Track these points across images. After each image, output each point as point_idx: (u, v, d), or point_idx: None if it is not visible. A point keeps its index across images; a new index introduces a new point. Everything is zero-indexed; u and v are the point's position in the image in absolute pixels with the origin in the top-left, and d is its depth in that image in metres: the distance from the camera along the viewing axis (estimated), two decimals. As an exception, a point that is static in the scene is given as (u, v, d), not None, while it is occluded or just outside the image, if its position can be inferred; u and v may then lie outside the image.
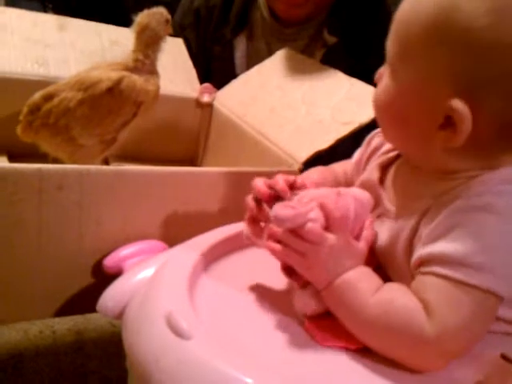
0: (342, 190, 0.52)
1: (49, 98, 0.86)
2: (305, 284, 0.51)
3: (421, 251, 0.47)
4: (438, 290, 0.45)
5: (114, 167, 0.81)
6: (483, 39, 0.44)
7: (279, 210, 0.48)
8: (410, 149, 0.53)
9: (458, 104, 0.45)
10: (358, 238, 0.51)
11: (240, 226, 0.64)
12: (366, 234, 0.51)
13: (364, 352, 0.47)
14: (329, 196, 0.50)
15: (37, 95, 0.87)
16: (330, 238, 0.48)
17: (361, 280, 0.48)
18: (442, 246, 0.45)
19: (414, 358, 0.45)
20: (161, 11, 0.91)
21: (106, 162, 0.99)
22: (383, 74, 0.53)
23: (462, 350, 0.45)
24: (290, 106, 0.96)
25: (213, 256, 0.60)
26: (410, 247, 0.49)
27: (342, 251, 0.48)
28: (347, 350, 0.47)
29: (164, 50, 1.18)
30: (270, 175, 0.80)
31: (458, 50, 0.45)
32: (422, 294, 0.45)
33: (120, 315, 0.54)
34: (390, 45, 0.51)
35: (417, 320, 0.44)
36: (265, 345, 0.47)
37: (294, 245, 0.49)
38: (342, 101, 0.90)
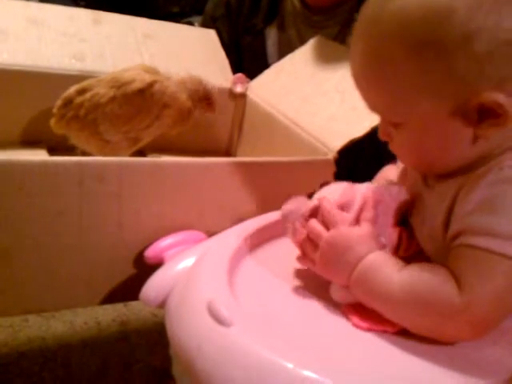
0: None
1: (82, 92, 0.89)
2: None
3: (454, 225, 0.47)
4: (468, 260, 0.45)
5: (151, 159, 0.82)
6: (456, 31, 0.44)
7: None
8: (444, 161, 0.51)
9: (488, 97, 0.45)
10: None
11: (277, 214, 0.65)
12: (365, 215, 0.52)
13: (403, 334, 0.47)
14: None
15: (72, 89, 0.89)
16: (325, 233, 0.51)
17: (381, 260, 0.49)
18: (474, 218, 0.45)
19: (444, 328, 0.46)
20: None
21: (143, 153, 1.01)
22: (389, 131, 0.51)
23: (492, 321, 0.45)
24: (324, 94, 0.96)
25: (252, 244, 0.61)
26: (446, 225, 0.49)
27: (349, 241, 0.50)
28: (385, 332, 0.48)
29: (197, 42, 1.19)
30: (304, 165, 0.81)
31: (444, 52, 0.44)
32: (453, 265, 0.46)
33: (162, 304, 0.55)
34: (377, 101, 0.50)
35: (445, 289, 0.45)
36: (304, 330, 0.48)
37: (307, 248, 0.53)
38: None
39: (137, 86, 0.88)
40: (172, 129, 0.95)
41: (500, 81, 0.45)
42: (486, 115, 0.46)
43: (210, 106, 0.97)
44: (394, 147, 0.53)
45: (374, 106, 0.51)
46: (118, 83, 0.88)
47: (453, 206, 0.48)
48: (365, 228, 0.51)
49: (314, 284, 0.55)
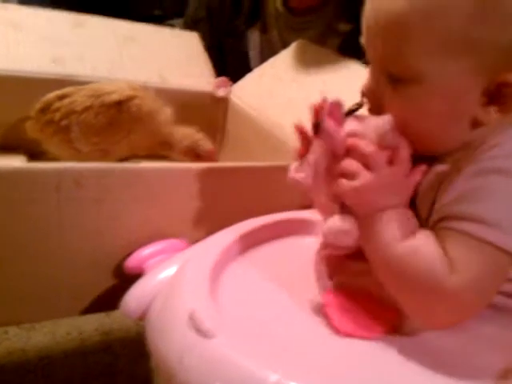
0: None
1: (62, 97, 0.89)
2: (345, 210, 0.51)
3: (441, 209, 0.48)
4: (458, 244, 0.46)
5: (130, 165, 0.81)
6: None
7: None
8: (437, 139, 0.50)
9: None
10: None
11: (260, 221, 0.65)
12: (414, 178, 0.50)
13: (387, 342, 0.47)
14: None
15: (52, 94, 0.88)
16: (389, 168, 0.48)
17: (398, 220, 0.48)
18: (460, 205, 0.46)
19: (428, 306, 0.46)
20: None
21: (123, 159, 1.00)
22: (379, 90, 0.50)
23: (474, 306, 0.47)
24: (307, 98, 0.94)
25: (234, 251, 0.60)
26: (430, 209, 0.50)
27: (395, 186, 0.49)
28: (364, 338, 0.48)
29: (179, 45, 1.18)
30: (287, 169, 0.80)
31: (500, 20, 0.44)
32: (443, 248, 0.46)
33: (143, 316, 0.54)
34: (398, 52, 0.47)
35: (439, 271, 0.45)
36: (289, 340, 0.48)
37: (352, 164, 0.49)
38: (359, 91, 0.89)
39: (115, 97, 0.87)
40: (143, 149, 0.94)
41: None
42: (496, 99, 0.46)
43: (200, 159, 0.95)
44: (390, 109, 0.50)
45: (389, 54, 0.48)
46: (97, 93, 0.88)
47: (437, 193, 0.49)
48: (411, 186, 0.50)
49: (299, 291, 0.54)
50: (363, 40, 0.52)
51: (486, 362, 0.46)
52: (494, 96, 0.47)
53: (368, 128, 0.50)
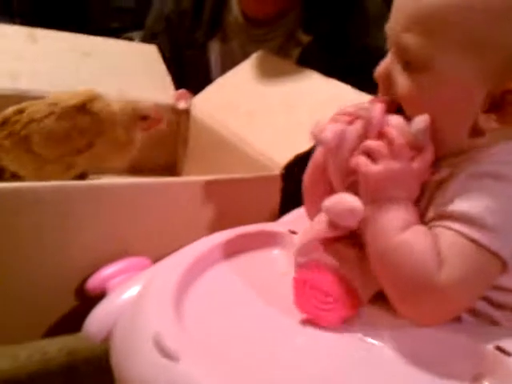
0: None
1: (20, 111, 0.86)
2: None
3: (436, 208, 0.50)
4: (450, 243, 0.47)
5: (88, 182, 0.80)
6: None
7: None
8: (442, 140, 0.51)
9: None
10: None
11: (226, 235, 0.64)
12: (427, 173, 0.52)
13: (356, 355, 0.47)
14: None
15: (9, 109, 0.86)
16: (412, 164, 0.50)
17: (401, 213, 0.49)
18: (455, 205, 0.48)
19: (416, 299, 0.47)
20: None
21: (83, 174, 0.97)
22: (392, 71, 0.52)
23: (459, 303, 0.48)
24: (269, 109, 0.95)
25: (199, 268, 0.58)
26: (427, 210, 0.51)
27: (409, 182, 0.50)
28: (314, 323, 0.49)
29: (138, 58, 1.17)
30: (251, 182, 0.79)
31: (507, 27, 0.46)
32: (436, 244, 0.48)
33: (107, 338, 0.52)
34: (414, 39, 0.48)
35: (429, 265, 0.46)
36: (257, 361, 0.46)
37: (380, 146, 0.50)
38: (320, 102, 0.90)
39: (74, 101, 0.86)
40: (107, 160, 0.92)
41: None
42: (497, 108, 0.48)
43: (152, 123, 0.94)
44: (401, 95, 0.51)
45: (410, 41, 0.49)
46: (56, 101, 0.86)
47: (434, 195, 0.51)
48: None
49: (268, 306, 0.53)
50: (388, 25, 0.52)
51: (460, 368, 0.46)
52: (497, 103, 0.48)
53: (405, 124, 0.51)
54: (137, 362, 0.45)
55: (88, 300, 0.61)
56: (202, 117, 1.08)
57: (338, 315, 0.50)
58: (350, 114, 0.54)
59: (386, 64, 0.53)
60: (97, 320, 0.54)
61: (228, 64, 1.20)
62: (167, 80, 1.16)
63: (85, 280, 0.65)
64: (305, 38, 1.23)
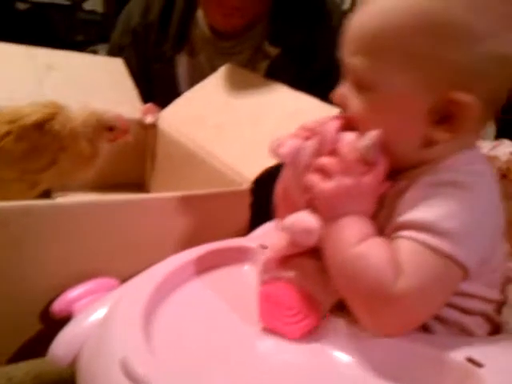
0: None
1: None
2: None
3: (395, 219, 0.50)
4: (407, 252, 0.47)
5: (52, 202, 0.77)
6: (464, 29, 0.46)
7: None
8: (400, 153, 0.52)
9: (462, 97, 0.47)
10: None
11: (195, 252, 0.62)
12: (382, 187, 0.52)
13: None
14: None
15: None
16: (363, 179, 0.50)
17: (357, 226, 0.50)
18: (412, 214, 0.48)
19: (374, 312, 0.47)
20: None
21: (47, 193, 0.95)
22: (345, 93, 0.53)
23: (419, 313, 0.48)
24: (237, 122, 0.95)
25: (169, 287, 0.57)
26: (388, 222, 0.51)
27: (363, 196, 0.51)
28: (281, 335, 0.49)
29: (103, 72, 1.15)
30: (220, 197, 0.79)
31: (445, 41, 0.47)
32: (395, 254, 0.48)
33: (73, 363, 0.51)
34: (359, 61, 0.51)
35: (386, 276, 0.46)
36: (227, 381, 0.45)
37: (332, 164, 0.51)
38: (288, 115, 0.89)
39: (34, 118, 0.82)
40: (73, 174, 0.89)
41: (472, 91, 0.47)
42: (446, 119, 0.48)
43: (118, 134, 0.92)
44: (356, 110, 0.53)
45: (361, 63, 0.51)
46: (14, 118, 0.82)
47: (395, 206, 0.51)
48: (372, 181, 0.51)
49: (238, 323, 0.53)
50: (340, 50, 0.54)
51: (430, 381, 0.46)
52: (444, 115, 0.49)
53: (357, 141, 0.51)
54: (104, 387, 0.44)
55: (54, 323, 0.59)
56: (170, 131, 1.06)
57: (302, 327, 0.50)
58: (308, 130, 0.55)
59: (342, 87, 0.54)
60: (63, 343, 0.52)
61: (196, 77, 1.19)
62: (134, 94, 1.14)
63: (50, 303, 0.63)
64: (273, 51, 1.23)
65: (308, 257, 0.55)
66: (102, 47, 1.81)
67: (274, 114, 0.93)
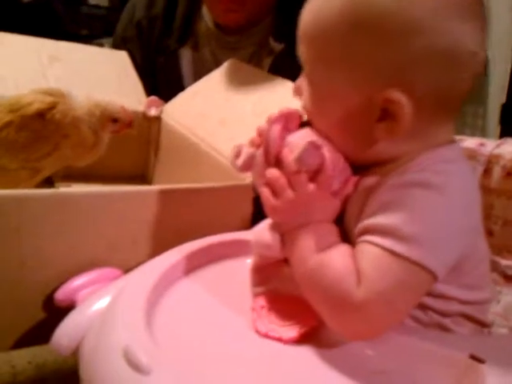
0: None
1: None
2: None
3: (363, 222, 0.49)
4: (370, 257, 0.46)
5: (53, 190, 0.77)
6: (397, 24, 0.45)
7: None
8: (352, 150, 0.52)
9: (393, 95, 0.46)
10: (335, 193, 0.51)
11: (197, 244, 0.63)
12: (345, 191, 0.51)
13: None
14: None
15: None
16: (311, 188, 0.49)
17: (316, 235, 0.49)
18: (377, 218, 0.47)
19: (341, 320, 0.46)
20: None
21: (51, 182, 0.95)
22: (301, 85, 0.54)
23: (384, 318, 0.46)
24: (240, 118, 0.95)
25: (171, 278, 0.58)
26: (357, 223, 0.50)
27: (316, 204, 0.50)
28: (280, 340, 0.48)
29: (107, 64, 1.15)
30: (223, 191, 0.79)
31: (377, 38, 0.46)
32: (357, 261, 0.47)
33: (76, 351, 0.51)
34: (303, 52, 0.52)
35: (346, 283, 0.45)
36: (231, 373, 0.45)
37: (278, 180, 0.50)
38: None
39: (35, 108, 0.82)
40: (75, 161, 0.89)
41: (414, 89, 0.46)
42: (387, 117, 0.47)
43: (122, 126, 0.92)
44: (304, 104, 0.53)
45: (305, 57, 0.52)
46: (16, 107, 0.82)
47: (365, 203, 0.50)
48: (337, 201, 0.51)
49: (240, 316, 0.53)
50: None
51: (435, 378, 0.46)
52: (383, 113, 0.48)
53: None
54: (106, 375, 0.44)
55: (57, 312, 0.59)
56: (174, 124, 1.06)
57: (297, 332, 0.49)
58: (260, 135, 0.54)
59: (299, 79, 0.55)
60: (66, 332, 0.52)
61: (200, 71, 1.20)
62: (138, 87, 1.15)
63: (53, 291, 0.63)
64: (277, 47, 1.23)
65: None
66: (107, 41, 1.80)
67: (277, 109, 0.93)
